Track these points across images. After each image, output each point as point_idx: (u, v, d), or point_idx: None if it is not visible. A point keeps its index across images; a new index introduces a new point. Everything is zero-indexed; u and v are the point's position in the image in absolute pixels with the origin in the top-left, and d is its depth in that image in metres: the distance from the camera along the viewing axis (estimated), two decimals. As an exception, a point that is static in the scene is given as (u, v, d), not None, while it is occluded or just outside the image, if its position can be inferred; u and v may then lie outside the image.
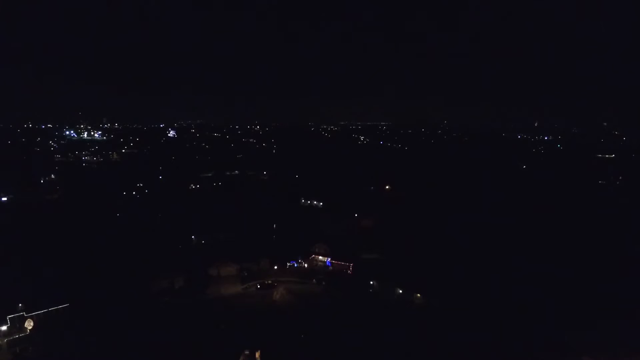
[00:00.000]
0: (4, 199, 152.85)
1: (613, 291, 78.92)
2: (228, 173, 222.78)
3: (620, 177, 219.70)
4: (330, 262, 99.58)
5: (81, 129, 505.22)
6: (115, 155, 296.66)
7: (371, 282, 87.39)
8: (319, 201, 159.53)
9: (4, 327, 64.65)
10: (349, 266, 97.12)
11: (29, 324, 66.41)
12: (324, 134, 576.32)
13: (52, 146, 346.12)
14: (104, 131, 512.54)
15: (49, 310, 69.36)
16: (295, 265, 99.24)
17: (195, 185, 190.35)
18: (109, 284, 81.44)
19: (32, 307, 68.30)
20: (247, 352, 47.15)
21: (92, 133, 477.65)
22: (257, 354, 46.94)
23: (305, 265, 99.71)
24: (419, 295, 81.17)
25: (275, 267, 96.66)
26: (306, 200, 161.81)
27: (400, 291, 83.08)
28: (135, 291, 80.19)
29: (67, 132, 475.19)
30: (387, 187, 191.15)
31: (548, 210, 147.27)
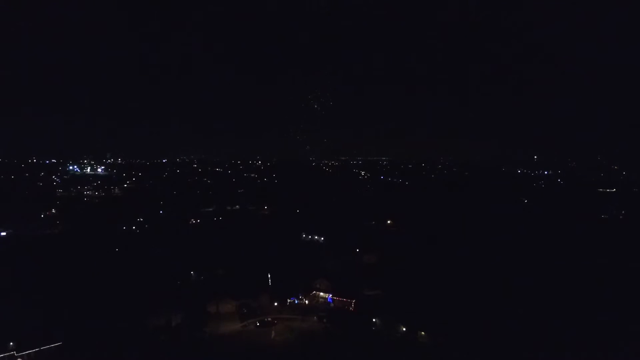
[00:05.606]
0: (3, 233, 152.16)
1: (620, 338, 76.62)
2: (229, 208, 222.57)
3: (623, 212, 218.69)
4: (332, 299, 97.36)
5: (84, 164, 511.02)
6: (117, 190, 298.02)
7: (374, 320, 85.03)
8: (320, 236, 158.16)
9: (-7, 367, 62.55)
10: (351, 302, 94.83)
11: (19, 364, 64.19)
12: (325, 168, 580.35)
13: (55, 181, 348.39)
14: (107, 166, 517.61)
15: (41, 349, 67.14)
16: (296, 301, 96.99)
17: (195, 220, 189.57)
18: (104, 321, 79.31)
19: (24, 345, 66.22)
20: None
21: (95, 168, 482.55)
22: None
23: (306, 301, 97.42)
24: (423, 333, 78.77)
25: (276, 304, 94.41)
26: (307, 235, 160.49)
27: (404, 329, 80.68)
28: (131, 329, 77.98)
29: (71, 167, 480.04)
30: (388, 221, 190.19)
31: (553, 245, 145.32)
